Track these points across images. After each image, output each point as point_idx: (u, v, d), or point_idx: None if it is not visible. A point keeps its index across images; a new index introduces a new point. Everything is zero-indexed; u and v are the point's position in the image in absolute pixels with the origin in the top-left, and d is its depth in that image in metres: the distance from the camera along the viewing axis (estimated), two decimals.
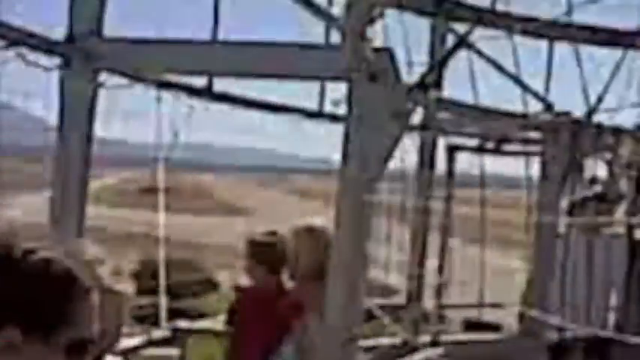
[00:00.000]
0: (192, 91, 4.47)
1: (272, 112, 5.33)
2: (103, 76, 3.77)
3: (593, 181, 5.85)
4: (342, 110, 3.79)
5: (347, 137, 3.46)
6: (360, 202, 3.26)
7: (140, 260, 18.47)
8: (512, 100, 5.79)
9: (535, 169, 6.03)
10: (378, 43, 3.36)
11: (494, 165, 7.17)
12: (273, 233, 4.25)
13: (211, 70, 3.85)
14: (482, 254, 6.50)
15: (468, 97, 6.03)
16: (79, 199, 3.68)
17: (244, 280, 4.49)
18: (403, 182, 6.41)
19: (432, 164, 6.26)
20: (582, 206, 5.75)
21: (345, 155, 3.43)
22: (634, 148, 5.54)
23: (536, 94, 5.55)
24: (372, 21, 2.58)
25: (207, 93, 4.56)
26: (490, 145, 6.29)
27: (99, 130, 3.87)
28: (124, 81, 3.88)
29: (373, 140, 3.35)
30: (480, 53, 5.55)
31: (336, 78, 3.59)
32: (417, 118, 5.55)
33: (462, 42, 5.31)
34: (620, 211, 5.91)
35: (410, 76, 5.39)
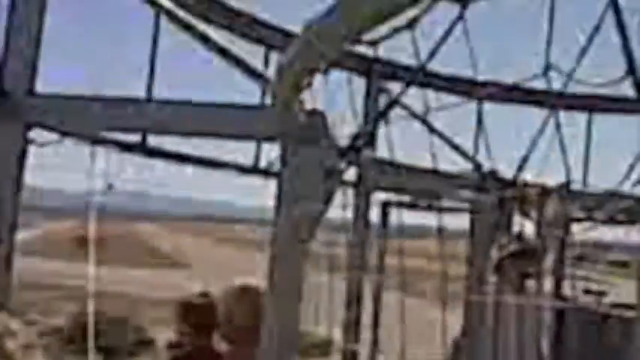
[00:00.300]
0: (125, 147, 4.46)
1: (207, 167, 5.34)
2: (34, 131, 3.74)
3: (519, 237, 6.01)
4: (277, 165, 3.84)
5: (279, 196, 3.50)
6: (292, 264, 3.28)
7: (73, 316, 17.88)
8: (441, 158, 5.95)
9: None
10: (310, 104, 3.45)
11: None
12: (205, 295, 4.23)
13: (145, 129, 3.86)
14: (402, 309, 6.58)
15: (401, 153, 6.18)
16: (5, 254, 3.60)
17: (178, 339, 4.42)
18: (339, 235, 6.48)
19: (366, 220, 6.35)
20: (509, 262, 5.89)
21: (277, 214, 3.47)
22: (559, 206, 5.74)
23: (465, 154, 5.74)
24: (301, 88, 2.66)
25: (140, 148, 4.55)
26: (422, 201, 6.44)
27: (34, 181, 3.82)
28: (54, 137, 3.84)
29: (305, 200, 3.39)
30: (412, 113, 5.71)
31: (269, 138, 3.65)
32: (351, 174, 5.68)
33: (395, 102, 5.47)
34: (547, 267, 6.07)
35: (347, 131, 5.52)
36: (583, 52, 4.23)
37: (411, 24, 5.13)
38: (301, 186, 3.41)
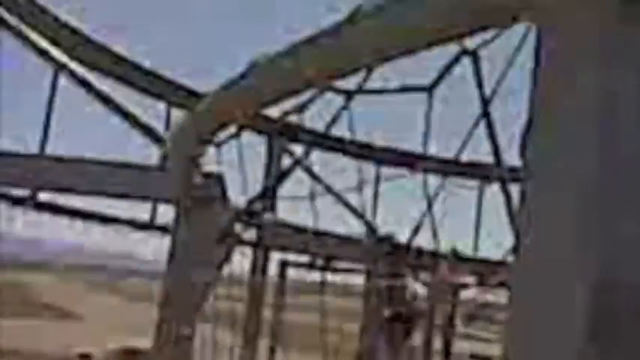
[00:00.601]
0: (14, 201, 4.31)
1: (100, 223, 5.21)
2: None
3: (410, 299, 6.16)
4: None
5: (172, 255, 3.47)
6: (182, 324, 3.24)
7: None
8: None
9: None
10: (208, 167, 3.46)
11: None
12: (86, 356, 4.11)
13: (37, 185, 3.76)
14: None
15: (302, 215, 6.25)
16: None
17: None
18: (236, 290, 6.45)
19: (264, 278, 6.33)
20: (396, 323, 6.02)
21: (169, 273, 3.43)
22: (449, 269, 5.95)
23: (362, 217, 5.86)
24: (197, 154, 2.68)
25: (30, 202, 4.41)
26: (320, 261, 6.51)
27: None
28: None
29: (197, 264, 3.38)
30: (314, 177, 5.78)
31: (164, 199, 3.63)
32: (251, 234, 5.68)
33: (297, 164, 5.54)
34: (435, 328, 6.23)
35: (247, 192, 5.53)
36: (463, 145, 4.61)
37: (301, 108, 5.39)
38: (194, 247, 3.40)
